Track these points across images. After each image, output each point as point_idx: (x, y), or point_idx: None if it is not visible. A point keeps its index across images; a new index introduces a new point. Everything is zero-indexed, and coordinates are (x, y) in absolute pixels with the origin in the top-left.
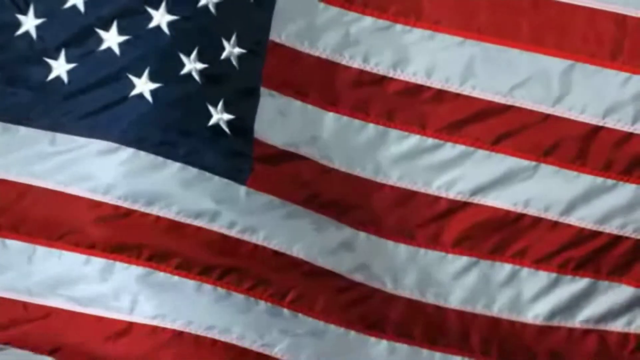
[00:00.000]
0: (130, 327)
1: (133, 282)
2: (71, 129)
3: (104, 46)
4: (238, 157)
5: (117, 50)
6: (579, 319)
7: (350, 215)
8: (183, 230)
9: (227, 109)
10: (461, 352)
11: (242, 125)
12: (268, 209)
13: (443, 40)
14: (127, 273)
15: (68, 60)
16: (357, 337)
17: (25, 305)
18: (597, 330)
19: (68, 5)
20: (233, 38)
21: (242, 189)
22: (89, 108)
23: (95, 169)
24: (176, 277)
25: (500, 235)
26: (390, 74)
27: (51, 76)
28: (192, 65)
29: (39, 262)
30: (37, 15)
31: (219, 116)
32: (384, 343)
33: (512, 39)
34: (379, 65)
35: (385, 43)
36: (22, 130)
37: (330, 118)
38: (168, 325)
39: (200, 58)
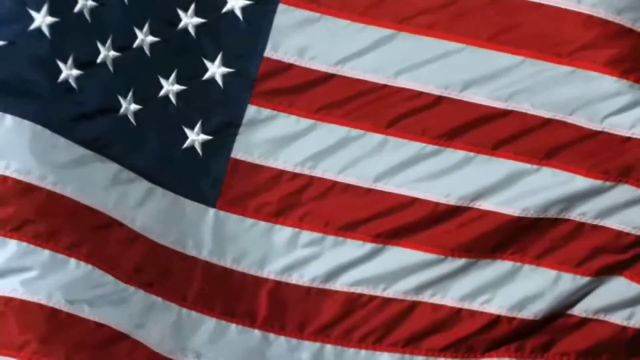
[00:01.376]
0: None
1: None
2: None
3: (100, 60)
4: (207, 180)
5: (111, 67)
6: (578, 309)
7: (344, 225)
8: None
9: (205, 129)
10: (444, 353)
11: (218, 146)
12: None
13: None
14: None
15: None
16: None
17: None
18: (596, 320)
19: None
20: (218, 58)
21: (211, 212)
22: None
23: None
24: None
25: (500, 237)
26: (391, 83)
27: (60, 79)
28: (169, 87)
29: None
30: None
31: (194, 137)
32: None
33: (514, 45)
34: (378, 74)
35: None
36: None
37: (325, 129)
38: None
39: (178, 80)
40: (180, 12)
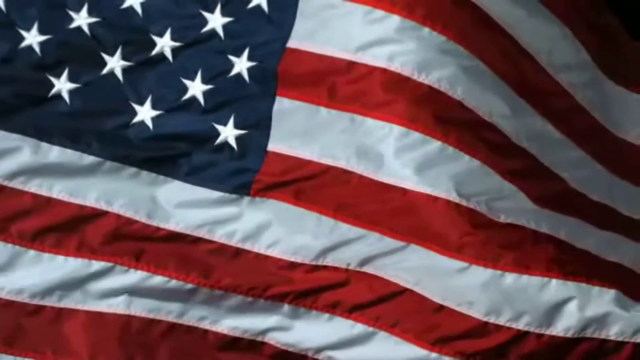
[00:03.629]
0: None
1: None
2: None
3: (106, 71)
4: (241, 174)
5: (120, 76)
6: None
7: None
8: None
9: (237, 124)
10: None
11: (252, 139)
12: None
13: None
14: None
15: (71, 80)
16: None
17: None
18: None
19: (73, 26)
20: (245, 53)
21: (246, 199)
22: (93, 129)
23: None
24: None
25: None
26: (415, 76)
27: (52, 93)
28: (195, 88)
29: None
30: (41, 32)
31: (227, 133)
32: None
33: None
34: (404, 66)
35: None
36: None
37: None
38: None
39: (203, 80)
40: (205, 14)
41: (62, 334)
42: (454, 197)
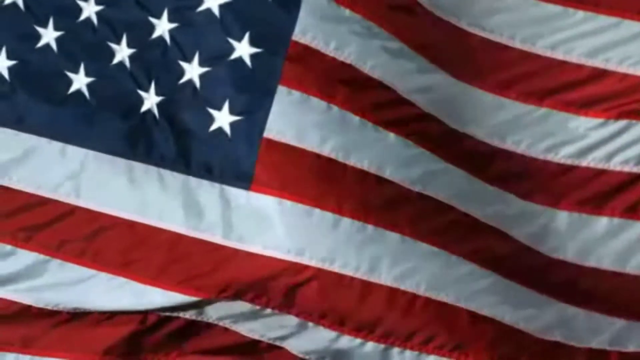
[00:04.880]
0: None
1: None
2: (82, 141)
3: (116, 60)
4: (238, 161)
5: (128, 64)
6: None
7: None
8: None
9: (232, 109)
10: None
11: (248, 126)
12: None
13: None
14: None
15: (87, 74)
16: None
17: None
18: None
19: (82, 18)
20: (245, 37)
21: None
22: (105, 123)
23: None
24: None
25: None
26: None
27: (72, 89)
28: (192, 71)
29: None
30: (56, 28)
31: (222, 119)
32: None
33: None
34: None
35: None
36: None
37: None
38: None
39: (200, 62)
40: None
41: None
42: None
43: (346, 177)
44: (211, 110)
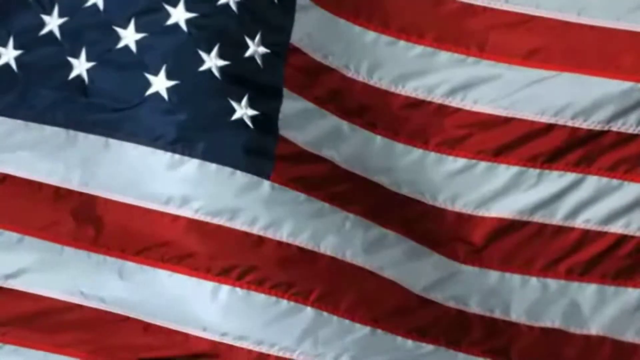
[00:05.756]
0: None
1: None
2: (88, 127)
3: (121, 44)
4: (261, 152)
5: (134, 48)
6: (594, 327)
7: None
8: (203, 228)
9: (251, 105)
10: (483, 354)
11: (267, 122)
12: (293, 204)
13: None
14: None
15: (88, 59)
16: (384, 336)
17: None
18: (611, 339)
19: (89, 4)
20: (257, 37)
21: (266, 184)
22: (108, 107)
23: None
24: (194, 279)
25: (507, 245)
26: (392, 89)
27: (72, 75)
28: (212, 62)
29: None
30: (60, 15)
31: (243, 111)
32: (410, 342)
33: (512, 55)
34: (382, 80)
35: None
36: (47, 129)
37: (346, 127)
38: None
39: (221, 55)
40: None
41: None
42: None
43: None
44: (232, 102)
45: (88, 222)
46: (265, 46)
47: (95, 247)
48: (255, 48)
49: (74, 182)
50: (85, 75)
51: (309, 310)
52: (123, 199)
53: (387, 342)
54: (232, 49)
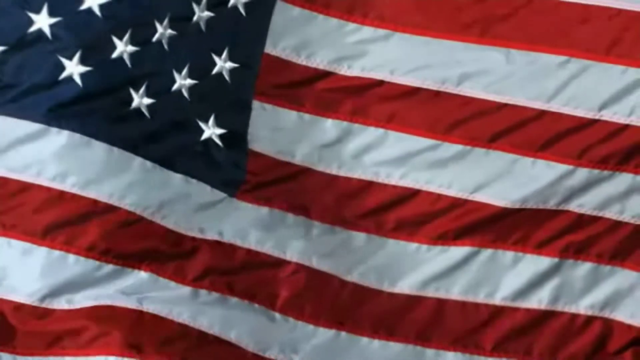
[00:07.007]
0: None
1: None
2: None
3: (115, 54)
4: (231, 169)
5: (128, 61)
6: (583, 305)
7: (349, 217)
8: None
9: (218, 123)
10: (454, 347)
11: (235, 138)
12: (259, 216)
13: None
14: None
15: (83, 63)
16: (348, 338)
17: None
18: (601, 318)
19: (84, 7)
20: (225, 53)
21: (233, 201)
22: (96, 115)
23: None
24: (172, 283)
25: (501, 226)
26: (387, 79)
27: (63, 75)
28: (181, 81)
29: None
30: (51, 14)
31: (210, 131)
32: (376, 342)
33: (506, 38)
34: (374, 71)
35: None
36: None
37: (329, 124)
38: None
39: (190, 74)
40: (194, 6)
41: None
42: None
43: None
44: (200, 122)
45: None
46: (233, 60)
47: None
48: (222, 64)
49: None
50: (78, 79)
51: (277, 316)
52: None
53: (351, 343)
54: (201, 68)
